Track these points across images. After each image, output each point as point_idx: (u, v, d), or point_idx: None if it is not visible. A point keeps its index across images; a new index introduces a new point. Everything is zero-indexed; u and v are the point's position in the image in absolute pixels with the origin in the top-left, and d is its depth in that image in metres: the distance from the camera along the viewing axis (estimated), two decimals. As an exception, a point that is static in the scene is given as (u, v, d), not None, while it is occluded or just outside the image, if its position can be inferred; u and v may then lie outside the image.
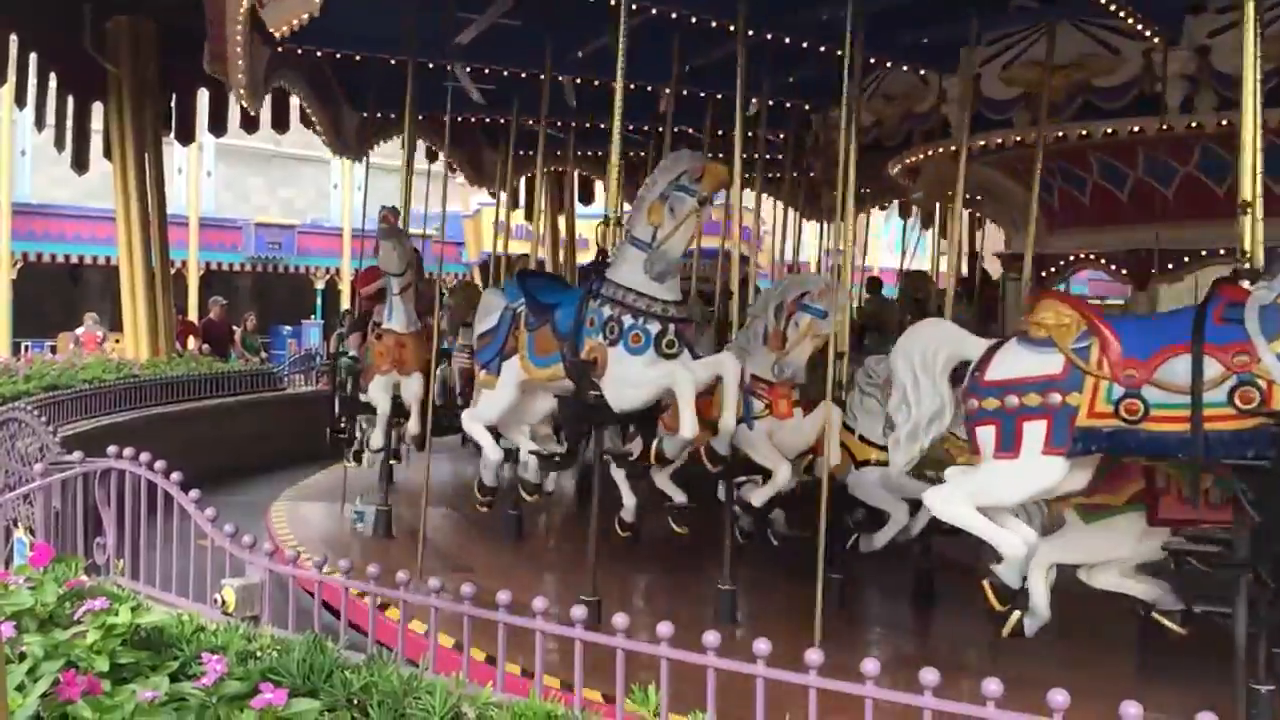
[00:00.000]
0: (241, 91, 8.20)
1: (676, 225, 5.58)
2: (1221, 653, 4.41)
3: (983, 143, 9.17)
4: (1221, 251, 9.11)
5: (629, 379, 5.66)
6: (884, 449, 6.41)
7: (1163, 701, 3.85)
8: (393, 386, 8.50)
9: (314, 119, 11.44)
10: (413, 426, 8.48)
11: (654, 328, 5.63)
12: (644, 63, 9.41)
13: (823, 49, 8.26)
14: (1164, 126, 7.80)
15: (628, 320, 5.66)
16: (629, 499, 6.76)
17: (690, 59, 8.98)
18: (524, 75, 9.90)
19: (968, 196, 13.30)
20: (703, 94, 10.30)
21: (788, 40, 8.10)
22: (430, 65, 8.95)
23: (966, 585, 5.92)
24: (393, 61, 9.23)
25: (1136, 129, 8.09)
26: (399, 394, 8.58)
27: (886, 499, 6.48)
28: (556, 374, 6.10)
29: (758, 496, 6.39)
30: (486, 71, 10.29)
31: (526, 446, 6.90)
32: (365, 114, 11.50)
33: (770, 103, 10.65)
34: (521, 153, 13.25)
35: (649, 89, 10.29)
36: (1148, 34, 7.50)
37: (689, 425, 5.49)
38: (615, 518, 6.67)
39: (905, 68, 9.06)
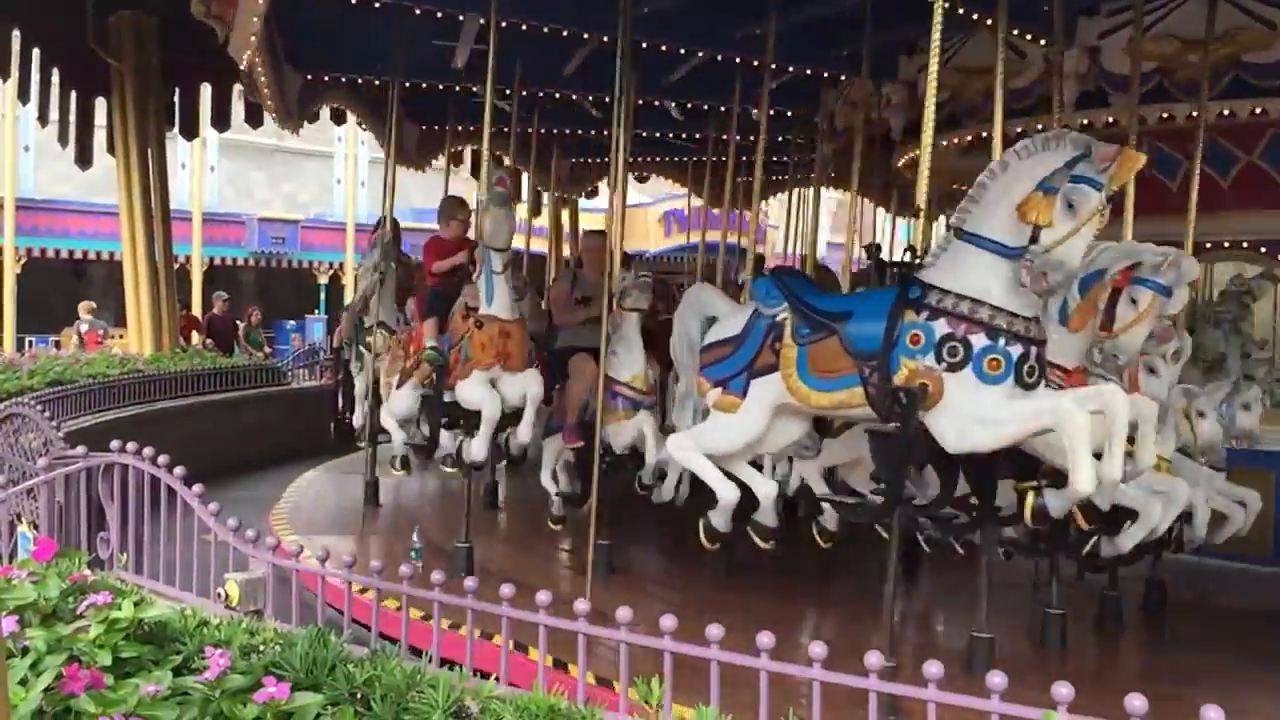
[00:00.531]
0: (251, 38, 7.74)
1: (1078, 226, 4.42)
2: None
3: (969, 136, 9.11)
4: (1226, 244, 9.12)
5: (979, 414, 4.55)
6: None
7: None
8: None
9: (263, 83, 10.07)
10: (524, 433, 7.17)
11: (1016, 351, 4.56)
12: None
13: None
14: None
15: (980, 341, 4.57)
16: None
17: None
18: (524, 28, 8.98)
19: (960, 189, 13.29)
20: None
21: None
22: (418, 12, 8.55)
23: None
24: (350, 10, 8.63)
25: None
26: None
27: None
28: (847, 400, 4.97)
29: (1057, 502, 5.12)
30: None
31: (763, 487, 5.75)
32: (309, 76, 10.79)
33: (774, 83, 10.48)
34: (461, 128, 12.86)
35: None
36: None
37: (1087, 477, 4.38)
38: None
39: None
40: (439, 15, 8.83)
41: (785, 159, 14.12)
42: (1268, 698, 5.17)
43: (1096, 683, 5.20)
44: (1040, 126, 8.26)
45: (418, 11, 8.62)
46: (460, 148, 14.41)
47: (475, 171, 16.21)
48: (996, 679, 2.71)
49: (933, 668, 2.82)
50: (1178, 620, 6.80)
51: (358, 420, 10.36)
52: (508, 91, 10.82)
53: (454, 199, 8.91)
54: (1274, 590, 7.64)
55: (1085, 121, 8.09)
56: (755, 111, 12.04)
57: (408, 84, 10.40)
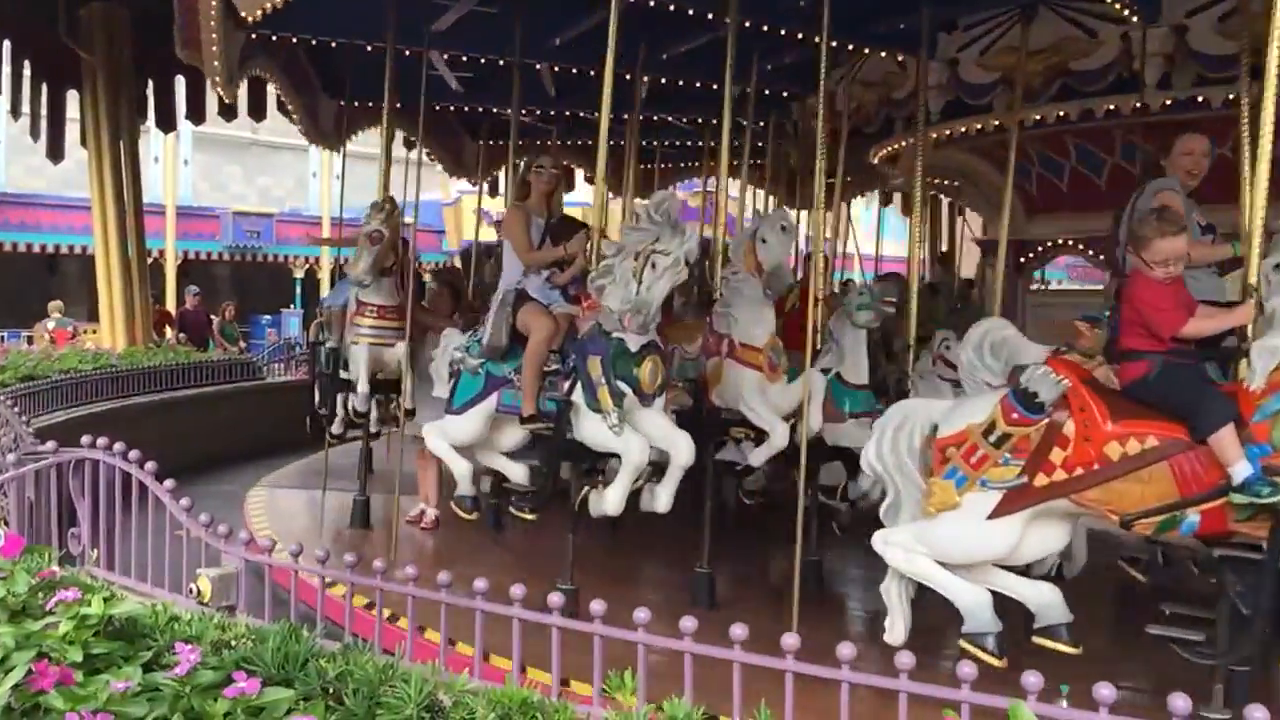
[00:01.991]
0: (216, 79, 8.07)
1: None
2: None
3: (963, 129, 9.20)
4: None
5: None
6: None
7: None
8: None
9: (290, 107, 11.27)
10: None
11: None
12: (624, 50, 9.45)
13: (800, 35, 8.27)
14: (1139, 105, 7.85)
15: None
16: None
17: (671, 46, 8.96)
18: (501, 63, 9.75)
19: (947, 183, 13.39)
20: (680, 82, 10.28)
21: (766, 27, 8.09)
22: (408, 53, 8.87)
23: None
24: (369, 48, 9.12)
25: (1113, 108, 8.14)
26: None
27: None
28: None
29: None
30: (464, 59, 10.23)
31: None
32: (342, 102, 11.43)
33: (748, 90, 10.65)
34: (496, 142, 13.28)
35: (627, 76, 10.28)
36: (1126, 14, 7.54)
37: None
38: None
39: (884, 54, 9.07)
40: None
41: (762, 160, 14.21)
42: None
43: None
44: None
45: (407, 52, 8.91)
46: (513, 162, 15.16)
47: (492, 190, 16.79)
48: (966, 669, 2.73)
49: (904, 658, 2.84)
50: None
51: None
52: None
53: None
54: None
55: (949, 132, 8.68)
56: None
57: (437, 107, 11.59)
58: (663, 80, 9.54)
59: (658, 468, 5.83)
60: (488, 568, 6.21)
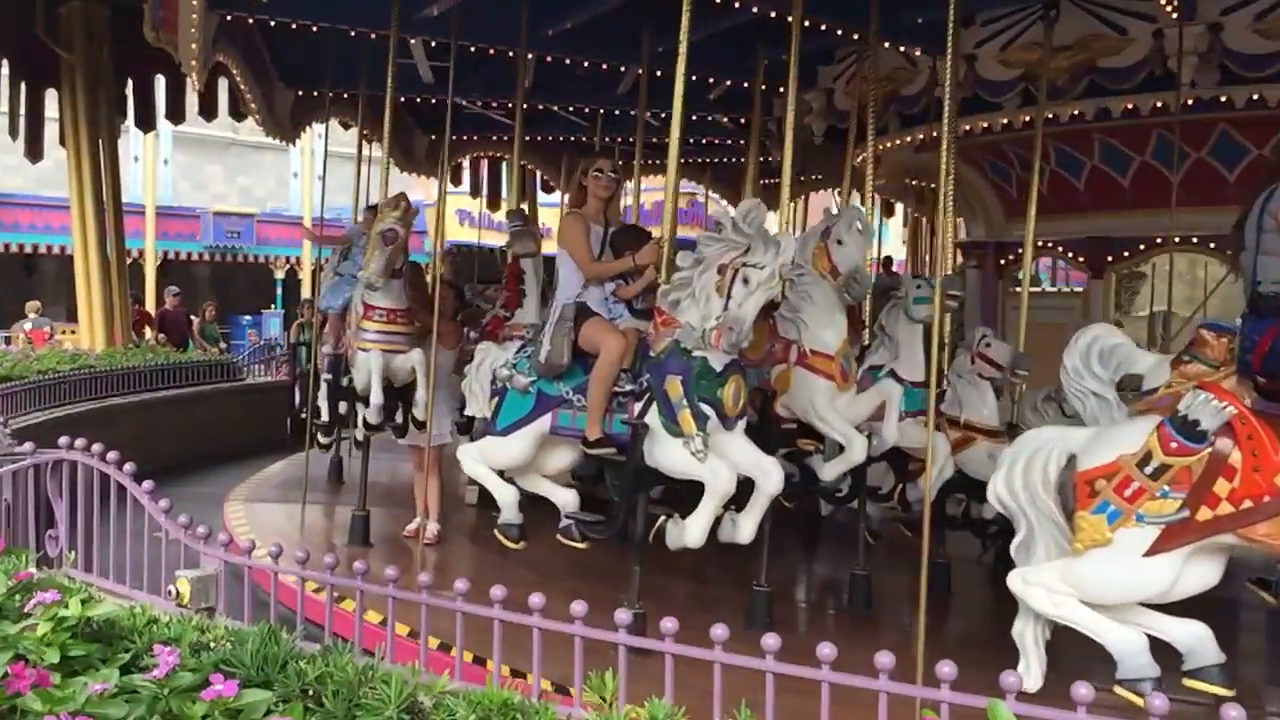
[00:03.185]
0: (192, 62, 7.91)
1: None
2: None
3: (985, 125, 9.22)
4: (1177, 239, 9.26)
5: None
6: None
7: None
8: None
9: (249, 96, 10.88)
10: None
11: None
12: (612, 44, 9.43)
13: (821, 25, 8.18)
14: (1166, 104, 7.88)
15: None
16: None
17: (665, 41, 8.87)
18: (477, 50, 9.64)
19: (925, 185, 13.45)
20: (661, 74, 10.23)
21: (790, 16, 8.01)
22: (374, 36, 8.77)
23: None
24: (335, 32, 9.03)
25: (1157, 104, 8.17)
26: None
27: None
28: None
29: None
30: (433, 45, 10.08)
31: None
32: (300, 92, 11.25)
33: (729, 83, 10.70)
34: (458, 137, 13.13)
35: (603, 68, 10.27)
36: (1169, 7, 7.50)
37: None
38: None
39: (902, 48, 8.97)
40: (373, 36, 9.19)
41: (743, 160, 14.24)
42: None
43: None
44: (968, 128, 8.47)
45: (373, 35, 8.98)
46: (479, 155, 15.28)
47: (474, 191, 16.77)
48: (946, 669, 2.74)
49: (883, 657, 2.85)
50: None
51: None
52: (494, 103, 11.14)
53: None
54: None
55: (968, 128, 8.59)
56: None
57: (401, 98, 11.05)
58: (658, 73, 9.44)
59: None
60: (530, 584, 6.21)
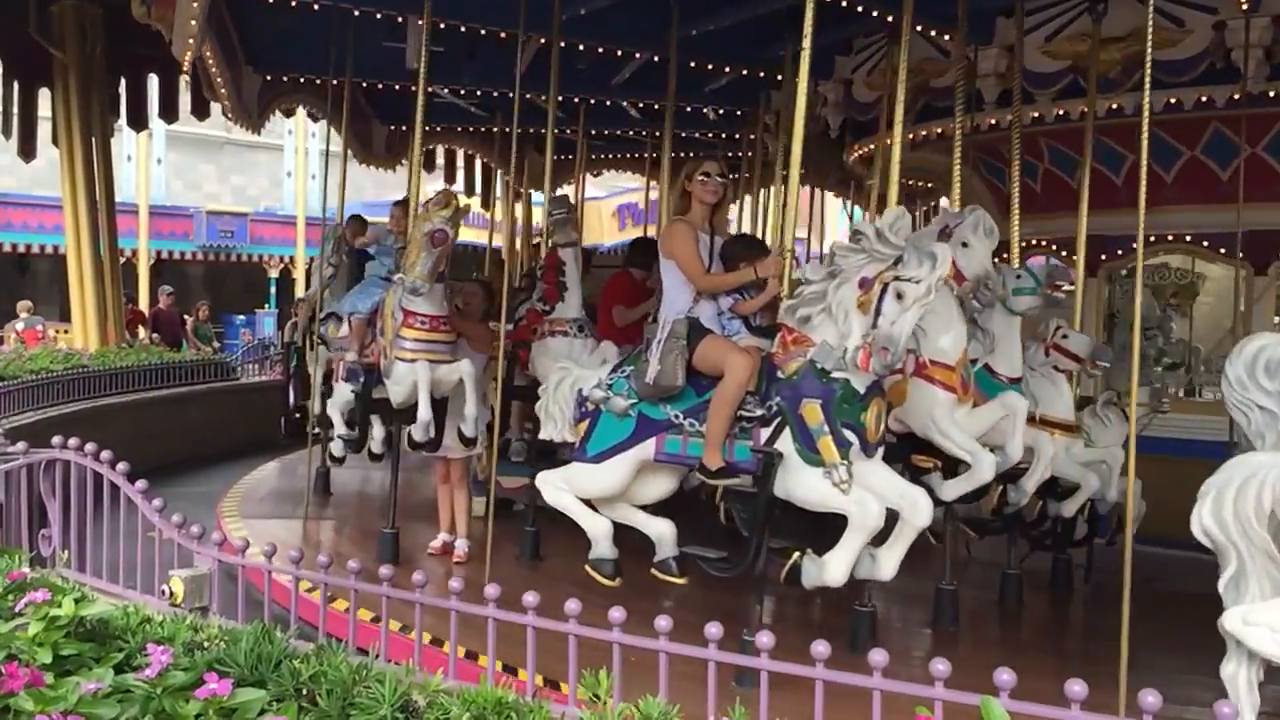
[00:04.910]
0: (190, 40, 7.68)
1: None
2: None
3: (924, 131, 9.21)
4: (1170, 238, 9.29)
5: None
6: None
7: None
8: None
9: (218, 81, 10.40)
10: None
11: None
12: (636, 29, 9.23)
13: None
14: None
15: None
16: None
17: (705, 23, 8.67)
18: (476, 33, 9.11)
19: (920, 184, 13.44)
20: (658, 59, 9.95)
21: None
22: (357, 14, 8.40)
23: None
24: (311, 12, 8.63)
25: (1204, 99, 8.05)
26: None
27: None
28: None
29: None
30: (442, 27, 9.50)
31: None
32: (267, 77, 10.94)
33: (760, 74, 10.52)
34: (428, 128, 12.92)
35: (598, 52, 10.01)
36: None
37: None
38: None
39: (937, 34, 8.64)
40: (379, 16, 8.89)
41: (739, 154, 14.16)
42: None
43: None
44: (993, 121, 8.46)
45: (357, 13, 8.67)
46: (430, 146, 14.57)
47: (428, 165, 16.31)
48: (940, 666, 2.74)
49: (819, 647, 2.84)
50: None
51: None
52: (477, 92, 10.92)
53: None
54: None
55: (994, 121, 8.31)
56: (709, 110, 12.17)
57: (364, 84, 10.47)
58: (656, 59, 9.23)
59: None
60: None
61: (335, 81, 10.66)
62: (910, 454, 5.94)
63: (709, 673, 3.04)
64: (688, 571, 5.23)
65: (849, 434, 4.71)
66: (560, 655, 3.28)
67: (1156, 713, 2.52)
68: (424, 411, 6.86)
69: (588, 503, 5.43)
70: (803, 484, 4.78)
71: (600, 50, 9.62)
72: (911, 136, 9.85)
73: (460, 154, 16.45)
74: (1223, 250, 8.97)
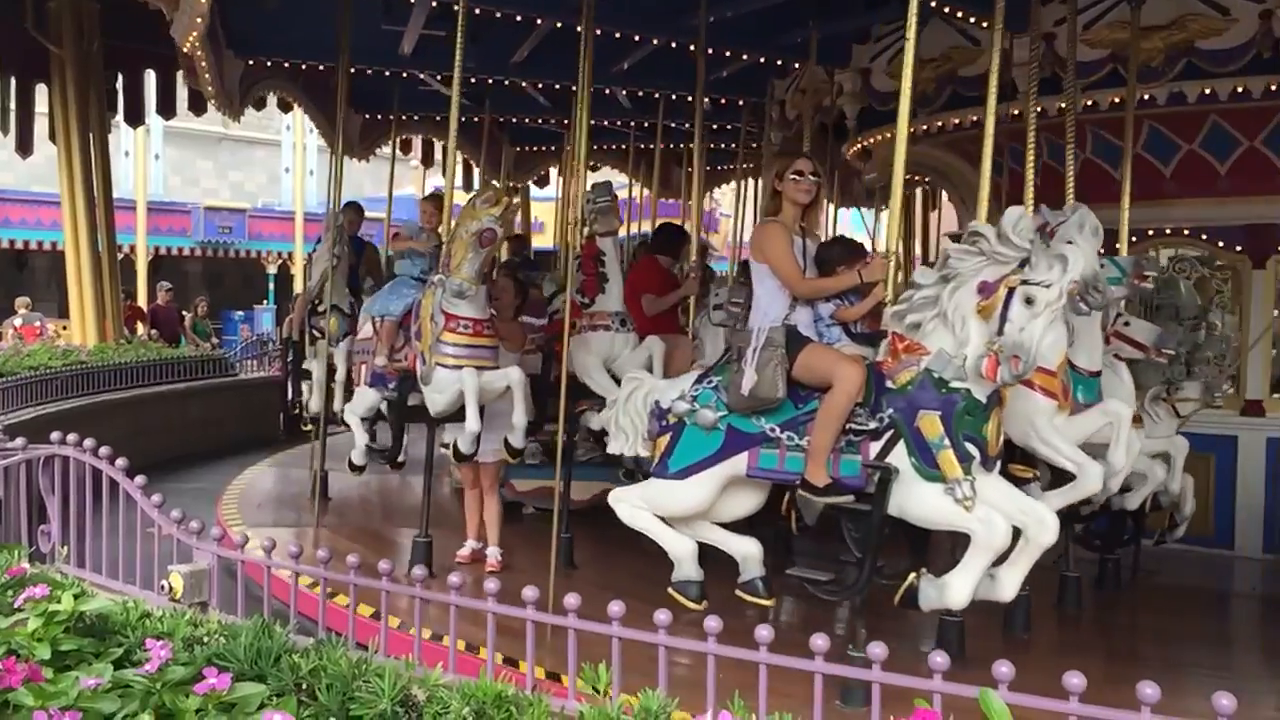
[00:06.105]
0: (199, 20, 7.53)
1: None
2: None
3: (925, 126, 9.16)
4: (1168, 231, 9.27)
5: None
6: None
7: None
8: None
9: (203, 65, 9.65)
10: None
11: None
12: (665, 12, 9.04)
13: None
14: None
15: None
16: None
17: (729, 8, 8.47)
18: (483, 13, 8.61)
19: (919, 179, 13.43)
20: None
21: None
22: None
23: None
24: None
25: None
26: None
27: None
28: None
29: None
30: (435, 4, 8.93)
31: None
32: (249, 61, 10.58)
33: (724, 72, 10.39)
34: (406, 116, 12.65)
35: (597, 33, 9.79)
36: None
37: None
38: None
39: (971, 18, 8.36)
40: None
41: (733, 147, 14.10)
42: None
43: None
44: (1016, 112, 8.38)
45: None
46: (406, 136, 14.26)
47: (426, 160, 16.16)
48: (938, 659, 2.75)
49: (876, 649, 2.85)
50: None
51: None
52: (472, 80, 10.73)
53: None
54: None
55: (1040, 109, 8.13)
56: (708, 100, 12.01)
57: (353, 70, 10.24)
58: (653, 41, 9.05)
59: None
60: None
61: (321, 67, 10.44)
62: (1006, 464, 5.50)
63: (815, 686, 2.95)
64: (775, 593, 4.91)
65: (971, 447, 4.49)
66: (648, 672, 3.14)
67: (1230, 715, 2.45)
68: (473, 422, 6.49)
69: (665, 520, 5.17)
70: (920, 501, 4.54)
71: (618, 35, 9.22)
72: (912, 130, 9.82)
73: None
74: (1220, 243, 8.97)
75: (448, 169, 7.37)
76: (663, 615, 3.13)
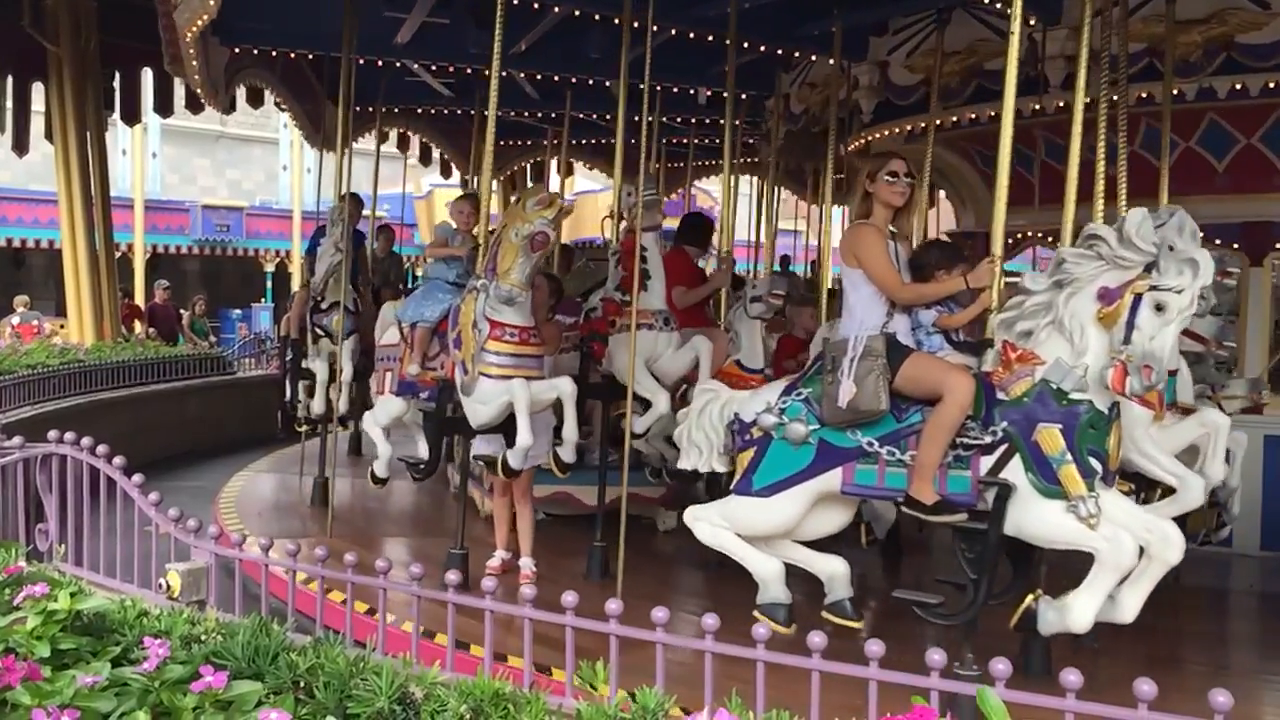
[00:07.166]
0: (211, 2, 7.44)
1: None
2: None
3: (923, 124, 9.16)
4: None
5: None
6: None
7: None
8: None
9: (191, 51, 9.37)
10: None
11: None
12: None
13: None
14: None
15: None
16: None
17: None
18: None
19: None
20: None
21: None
22: None
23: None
24: None
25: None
26: None
27: None
28: None
29: None
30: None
31: None
32: (236, 49, 10.26)
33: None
34: (390, 109, 12.57)
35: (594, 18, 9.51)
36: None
37: None
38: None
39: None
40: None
41: (718, 142, 13.93)
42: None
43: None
44: (1037, 106, 8.35)
45: None
46: (387, 129, 14.08)
47: (422, 156, 16.15)
48: (935, 656, 2.75)
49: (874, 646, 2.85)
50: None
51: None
52: (468, 70, 10.65)
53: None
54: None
55: (1061, 103, 8.08)
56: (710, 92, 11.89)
57: (313, 58, 10.07)
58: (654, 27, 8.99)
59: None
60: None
61: (311, 56, 10.26)
62: None
63: (812, 685, 2.95)
64: (956, 623, 4.57)
65: (1094, 462, 4.26)
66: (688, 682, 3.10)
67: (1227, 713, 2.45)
68: (525, 436, 6.04)
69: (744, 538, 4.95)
70: (1040, 519, 4.31)
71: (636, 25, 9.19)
72: (910, 128, 9.84)
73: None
74: (1218, 241, 8.96)
75: (484, 168, 7.03)
76: (660, 613, 3.13)
